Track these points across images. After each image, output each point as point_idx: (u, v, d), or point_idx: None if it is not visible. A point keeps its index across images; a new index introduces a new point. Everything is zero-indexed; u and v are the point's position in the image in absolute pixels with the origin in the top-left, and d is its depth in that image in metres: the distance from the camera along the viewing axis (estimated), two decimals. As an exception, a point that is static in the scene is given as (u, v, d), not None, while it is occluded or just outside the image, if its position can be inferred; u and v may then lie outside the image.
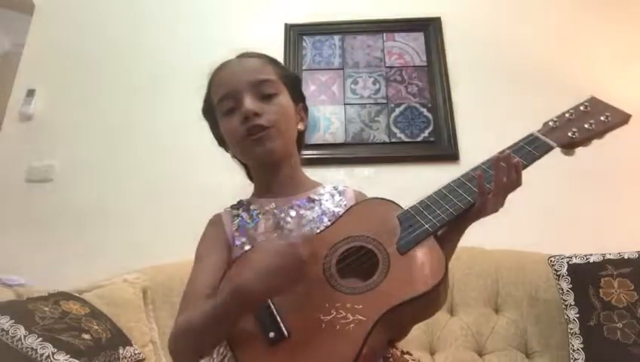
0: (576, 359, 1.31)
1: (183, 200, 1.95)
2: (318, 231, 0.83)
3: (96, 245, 1.89)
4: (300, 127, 0.97)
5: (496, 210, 0.75)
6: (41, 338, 1.08)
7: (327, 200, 0.92)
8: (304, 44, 2.23)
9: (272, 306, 0.70)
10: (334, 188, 0.96)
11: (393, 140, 2.05)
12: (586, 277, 1.39)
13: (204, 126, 2.32)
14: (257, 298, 0.68)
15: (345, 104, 2.11)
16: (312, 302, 0.70)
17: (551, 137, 0.79)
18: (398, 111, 2.11)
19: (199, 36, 2.27)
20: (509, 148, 0.79)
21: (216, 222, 0.95)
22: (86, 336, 1.19)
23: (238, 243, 0.87)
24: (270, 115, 0.88)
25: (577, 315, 1.35)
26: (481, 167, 0.79)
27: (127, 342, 1.32)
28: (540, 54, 2.15)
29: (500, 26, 2.23)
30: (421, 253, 0.71)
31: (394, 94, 2.14)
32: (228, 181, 1.93)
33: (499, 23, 2.23)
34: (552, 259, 1.47)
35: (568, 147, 0.79)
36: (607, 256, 1.42)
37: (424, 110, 2.10)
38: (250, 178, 1.03)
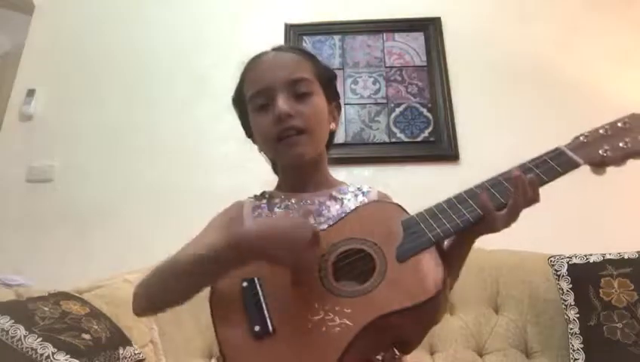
0: (576, 359, 1.31)
1: (182, 200, 1.95)
2: (322, 229, 0.81)
3: (97, 245, 1.90)
4: (332, 126, 0.95)
5: (507, 226, 0.71)
6: (41, 338, 1.08)
7: (349, 200, 0.91)
8: (304, 44, 2.23)
9: (262, 299, 0.69)
10: (358, 189, 0.95)
11: (393, 140, 2.05)
12: (586, 277, 1.39)
13: (204, 127, 2.32)
14: (250, 247, 0.67)
15: (345, 104, 2.11)
16: (302, 300, 0.69)
17: (579, 153, 0.72)
18: (398, 111, 2.11)
19: (199, 36, 2.27)
20: (530, 161, 0.73)
21: (237, 206, 0.95)
22: (86, 336, 1.19)
23: None
24: (304, 117, 0.86)
25: (577, 315, 1.35)
26: (485, 185, 0.73)
27: (127, 342, 1.32)
28: (539, 54, 2.15)
29: (500, 26, 2.23)
30: (420, 263, 0.68)
31: (394, 94, 2.14)
32: (227, 181, 1.95)
33: (499, 23, 2.24)
34: (552, 259, 1.47)
35: (598, 166, 0.72)
36: (607, 256, 1.42)
37: (424, 110, 2.10)
38: (276, 171, 1.02)
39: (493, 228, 0.71)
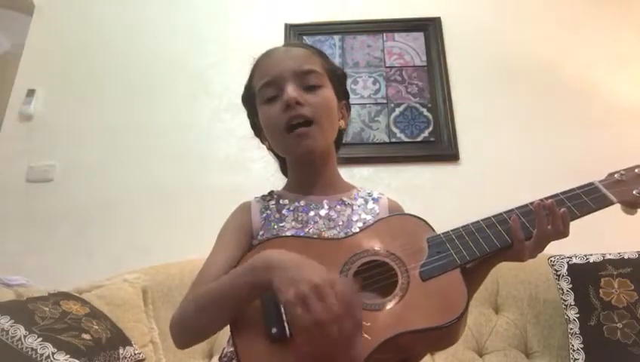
0: (576, 359, 1.31)
1: (182, 201, 1.96)
2: (346, 236, 0.79)
3: (97, 245, 1.89)
4: (342, 124, 0.93)
5: (533, 257, 0.70)
6: (41, 338, 1.08)
7: (359, 206, 0.89)
8: (304, 44, 2.23)
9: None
10: (369, 195, 0.93)
11: (393, 140, 2.05)
12: (586, 277, 1.39)
13: (204, 127, 2.32)
14: (271, 273, 0.64)
15: (345, 104, 2.11)
16: None
17: (613, 191, 0.72)
18: (398, 111, 2.10)
19: (199, 36, 2.27)
20: (562, 193, 0.73)
21: (244, 209, 0.92)
22: (86, 336, 1.19)
23: (261, 232, 0.86)
24: (313, 107, 0.84)
25: (577, 315, 1.35)
26: (515, 211, 0.72)
27: (127, 342, 1.32)
28: (539, 54, 2.15)
29: (500, 26, 2.23)
30: (444, 284, 0.67)
31: (394, 94, 2.14)
32: (227, 182, 1.95)
33: (499, 23, 2.24)
34: (552, 259, 1.47)
35: (630, 206, 0.73)
36: (607, 256, 1.42)
37: (424, 110, 2.10)
38: (284, 171, 1.00)
39: (520, 258, 0.71)
